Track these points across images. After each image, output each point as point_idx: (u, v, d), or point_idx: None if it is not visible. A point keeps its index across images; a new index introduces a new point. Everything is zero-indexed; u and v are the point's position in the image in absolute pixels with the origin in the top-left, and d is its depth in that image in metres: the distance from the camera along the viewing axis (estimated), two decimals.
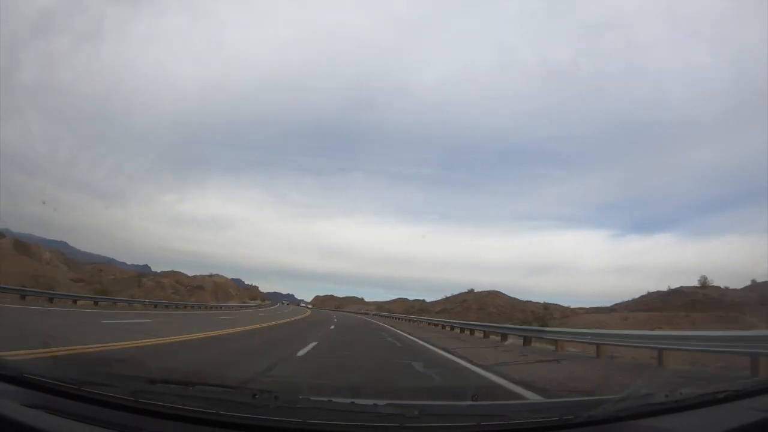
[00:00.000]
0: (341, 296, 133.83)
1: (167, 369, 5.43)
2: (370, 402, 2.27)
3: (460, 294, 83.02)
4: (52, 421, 1.84)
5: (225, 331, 15.94)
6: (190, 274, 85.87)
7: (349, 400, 2.29)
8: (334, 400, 2.32)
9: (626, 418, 2.05)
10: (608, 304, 61.70)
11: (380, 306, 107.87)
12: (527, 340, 16.46)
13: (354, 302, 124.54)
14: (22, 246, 54.80)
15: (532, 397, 6.23)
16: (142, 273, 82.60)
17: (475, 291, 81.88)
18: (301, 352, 10.79)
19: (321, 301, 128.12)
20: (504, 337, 18.37)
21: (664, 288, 57.78)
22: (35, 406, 1.93)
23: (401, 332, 24.29)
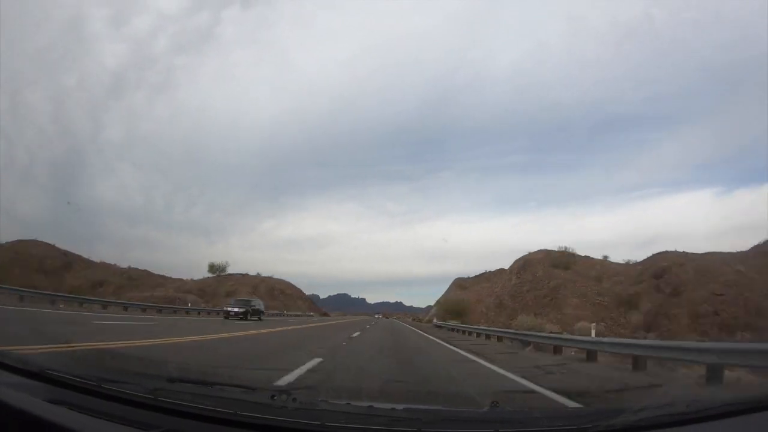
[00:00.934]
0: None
1: (185, 368, 5.46)
2: (388, 406, 2.26)
3: None
4: (72, 417, 1.86)
5: None
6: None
7: (367, 404, 2.28)
8: (353, 403, 2.31)
9: (646, 428, 2.00)
10: None
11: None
12: None
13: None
14: None
15: (560, 403, 6.11)
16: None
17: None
18: None
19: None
20: None
21: None
22: (56, 402, 1.95)
23: None
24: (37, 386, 2.08)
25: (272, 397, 2.14)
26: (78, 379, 2.14)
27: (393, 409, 2.18)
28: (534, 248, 66.57)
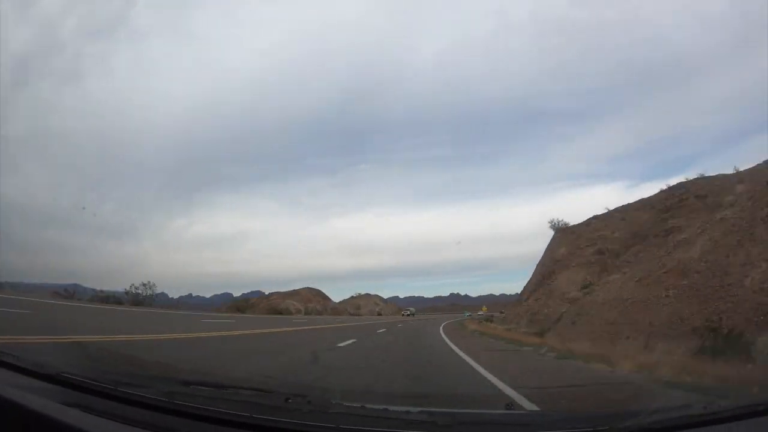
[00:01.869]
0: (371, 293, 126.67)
1: (200, 371, 5.50)
2: (403, 409, 2.25)
3: None
4: (87, 419, 1.86)
5: None
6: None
7: (381, 407, 2.28)
8: (367, 406, 2.31)
9: (662, 429, 1.97)
10: None
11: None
12: None
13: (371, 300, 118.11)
14: None
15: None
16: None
17: None
18: None
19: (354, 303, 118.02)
20: None
21: None
22: (71, 405, 1.96)
23: None
24: (53, 389, 2.10)
25: (287, 399, 2.14)
26: (94, 382, 2.16)
27: (408, 411, 2.17)
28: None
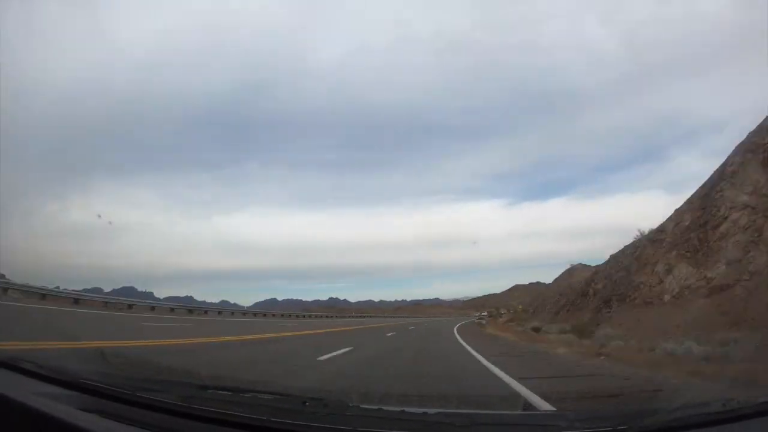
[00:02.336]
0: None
1: (218, 376, 5.54)
2: (420, 410, 2.25)
3: None
4: (104, 424, 1.88)
5: None
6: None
7: (399, 408, 2.27)
8: (384, 408, 2.30)
9: (681, 428, 1.94)
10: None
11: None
12: None
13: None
14: None
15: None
16: None
17: None
18: None
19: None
20: None
21: None
22: (90, 410, 1.98)
23: None
24: (72, 395, 2.12)
25: (304, 403, 2.15)
26: (112, 388, 2.18)
27: (425, 413, 2.16)
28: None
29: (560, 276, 65.60)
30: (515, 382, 7.55)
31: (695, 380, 8.25)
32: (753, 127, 19.72)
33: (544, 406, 5.33)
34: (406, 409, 2.30)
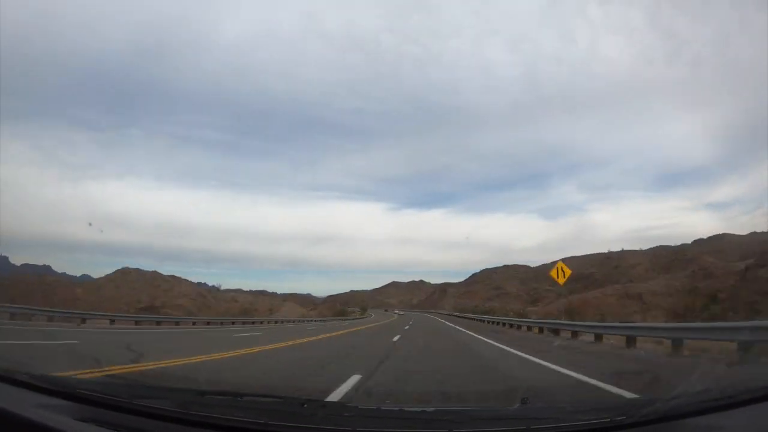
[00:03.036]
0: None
1: (216, 381, 5.52)
2: (418, 408, 2.25)
3: None
4: None
5: None
6: None
7: (397, 407, 2.28)
8: (382, 407, 2.31)
9: (680, 416, 1.96)
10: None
11: None
12: None
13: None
14: None
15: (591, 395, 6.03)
16: None
17: None
18: None
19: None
20: None
21: None
22: (87, 420, 1.97)
23: None
24: (69, 405, 2.11)
25: (303, 405, 2.15)
26: (108, 397, 2.17)
27: (423, 411, 2.17)
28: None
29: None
30: None
31: None
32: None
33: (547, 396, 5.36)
34: (405, 407, 2.30)
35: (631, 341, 12.41)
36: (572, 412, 2.29)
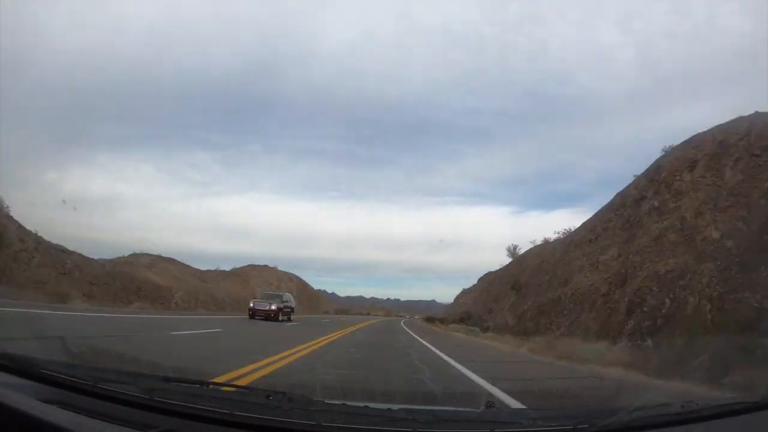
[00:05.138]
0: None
1: (182, 368, 5.47)
2: (384, 406, 2.26)
3: None
4: (65, 416, 1.85)
5: None
6: None
7: (362, 404, 2.28)
8: (348, 403, 2.31)
9: (641, 427, 2.00)
10: None
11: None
12: None
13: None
14: None
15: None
16: None
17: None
18: None
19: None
20: None
21: None
22: (50, 401, 1.94)
23: None
24: (33, 386, 2.08)
25: (268, 396, 2.14)
26: (74, 379, 2.14)
27: (389, 409, 2.18)
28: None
29: None
30: None
31: None
32: None
33: (510, 403, 5.42)
34: (370, 404, 2.31)
35: None
36: (536, 418, 2.32)
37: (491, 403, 3.27)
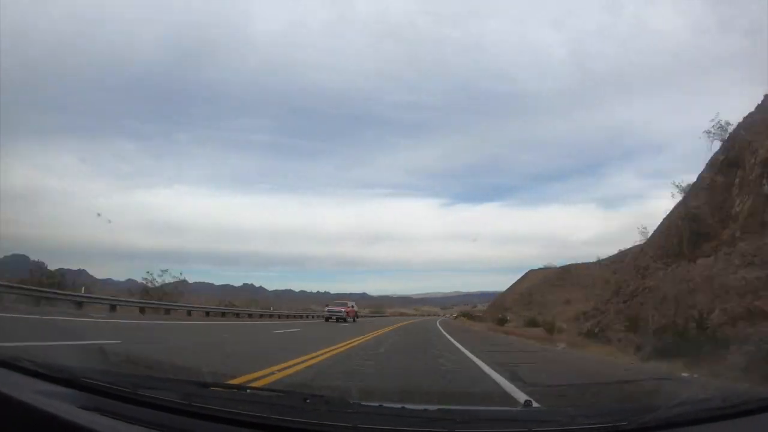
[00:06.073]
0: None
1: (218, 373, 5.54)
2: (421, 407, 2.25)
3: None
4: (105, 422, 1.87)
5: None
6: None
7: (399, 405, 2.27)
8: (385, 405, 2.30)
9: (682, 424, 1.93)
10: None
11: None
12: None
13: None
14: None
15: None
16: None
17: None
18: None
19: None
20: None
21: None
22: (90, 409, 1.97)
23: None
24: (72, 393, 2.11)
25: (305, 400, 2.14)
26: (112, 386, 2.17)
27: (426, 409, 2.16)
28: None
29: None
30: None
31: None
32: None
33: (546, 403, 5.34)
34: (407, 405, 2.30)
35: None
36: (574, 416, 2.27)
37: (529, 402, 3.23)
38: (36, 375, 2.24)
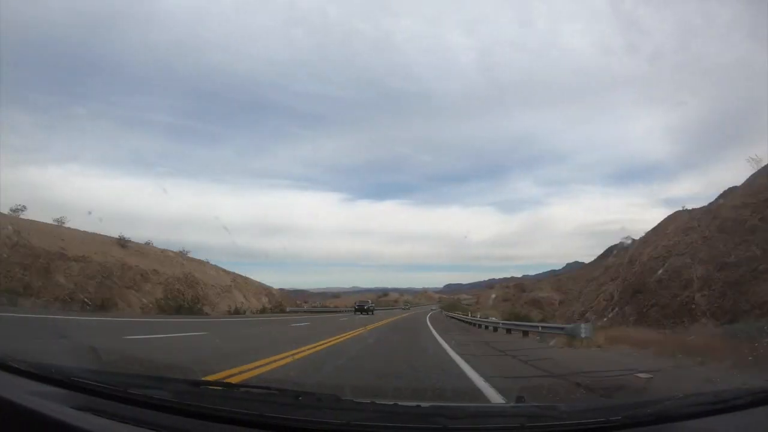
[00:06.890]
0: None
1: (211, 371, 5.52)
2: (413, 403, 2.25)
3: None
4: (97, 422, 1.86)
5: None
6: None
7: (392, 402, 2.27)
8: (378, 401, 2.30)
9: (674, 418, 1.95)
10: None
11: None
12: None
13: None
14: None
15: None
16: None
17: None
18: None
19: None
20: None
21: None
22: (82, 408, 1.96)
23: None
24: (64, 393, 2.10)
25: (297, 397, 2.14)
26: (104, 385, 2.16)
27: (418, 406, 2.16)
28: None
29: None
30: None
31: None
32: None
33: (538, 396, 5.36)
34: (399, 402, 2.30)
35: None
36: (567, 411, 2.28)
37: (521, 397, 3.24)
38: (27, 375, 2.22)
